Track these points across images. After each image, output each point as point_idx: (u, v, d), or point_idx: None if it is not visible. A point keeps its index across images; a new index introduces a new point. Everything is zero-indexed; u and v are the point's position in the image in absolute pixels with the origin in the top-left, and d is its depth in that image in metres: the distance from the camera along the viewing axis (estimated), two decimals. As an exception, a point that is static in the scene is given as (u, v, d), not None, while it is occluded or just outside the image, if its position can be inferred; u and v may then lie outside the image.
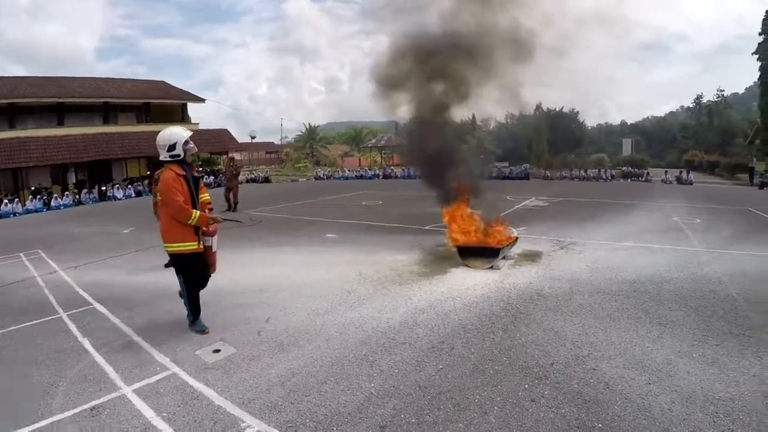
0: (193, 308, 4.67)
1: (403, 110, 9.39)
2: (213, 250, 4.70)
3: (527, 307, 5.16)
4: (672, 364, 3.76)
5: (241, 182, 27.67)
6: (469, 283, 6.10)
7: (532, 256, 7.62)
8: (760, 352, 4.03)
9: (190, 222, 4.38)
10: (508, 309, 5.09)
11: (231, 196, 14.83)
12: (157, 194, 4.49)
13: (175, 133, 4.48)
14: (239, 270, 7.10)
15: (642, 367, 3.72)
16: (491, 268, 6.74)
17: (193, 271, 4.58)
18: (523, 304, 5.25)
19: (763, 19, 30.72)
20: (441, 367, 3.76)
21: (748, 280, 6.28)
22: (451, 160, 8.62)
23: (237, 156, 48.20)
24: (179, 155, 4.46)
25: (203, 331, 4.60)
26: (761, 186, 23.35)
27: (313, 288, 6.02)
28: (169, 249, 4.51)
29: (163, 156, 4.47)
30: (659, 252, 7.95)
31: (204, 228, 4.56)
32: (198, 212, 4.43)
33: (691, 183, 25.22)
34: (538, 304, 5.28)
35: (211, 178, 28.15)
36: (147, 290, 6.33)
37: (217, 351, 4.19)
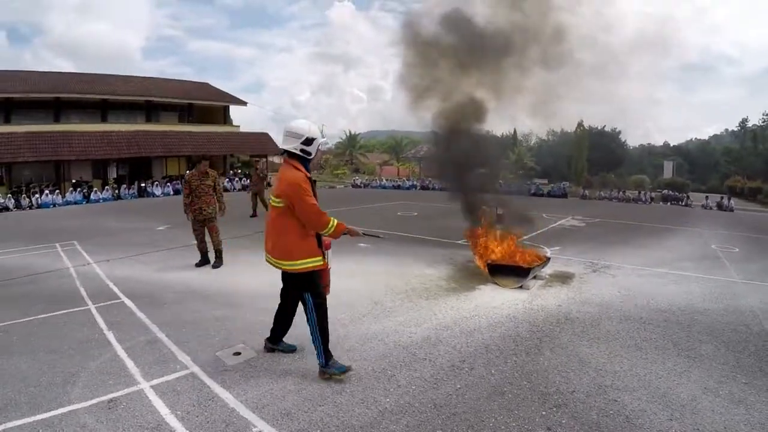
0: (327, 344, 3.79)
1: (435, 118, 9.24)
2: (329, 267, 4.34)
3: (553, 331, 5.02)
4: (696, 401, 3.58)
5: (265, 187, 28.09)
6: (497, 302, 5.98)
7: (563, 278, 7.41)
8: None
9: (325, 232, 3.65)
10: (534, 331, 4.97)
11: (257, 200, 14.49)
12: (276, 197, 3.65)
13: (314, 127, 3.72)
14: (265, 274, 7.00)
15: (665, 401, 3.55)
16: (521, 287, 6.61)
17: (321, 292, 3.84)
18: (550, 327, 5.11)
19: None
20: (459, 386, 3.68)
21: (786, 315, 5.90)
22: (478, 172, 8.51)
23: (277, 160, 48.91)
24: (311, 154, 3.72)
25: (344, 371, 3.76)
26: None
27: (340, 297, 5.89)
28: (295, 267, 3.67)
29: (293, 147, 3.64)
30: (694, 281, 7.58)
31: (326, 241, 3.95)
32: (335, 220, 3.68)
33: (731, 210, 23.86)
34: (564, 327, 5.13)
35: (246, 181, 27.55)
36: (175, 289, 6.33)
37: (237, 354, 4.14)
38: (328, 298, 6.02)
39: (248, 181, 27.32)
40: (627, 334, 5.01)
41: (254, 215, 14.15)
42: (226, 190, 25.18)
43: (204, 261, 7.69)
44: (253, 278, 6.78)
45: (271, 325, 4.19)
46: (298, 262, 3.65)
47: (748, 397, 3.68)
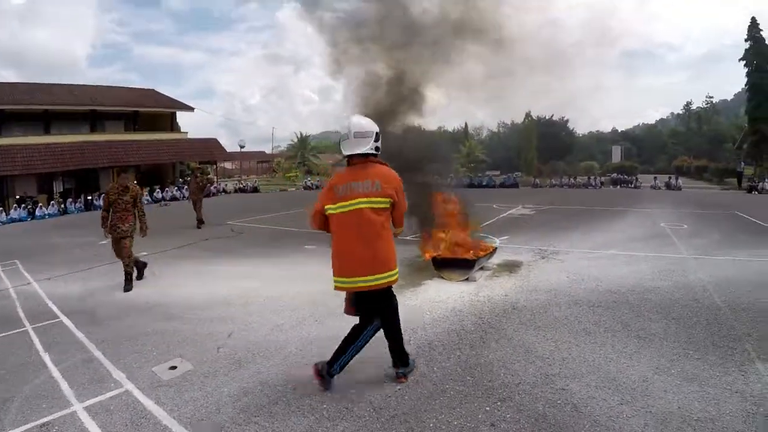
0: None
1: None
2: None
3: (499, 322, 4.88)
4: (648, 382, 3.50)
5: (216, 194, 28.21)
6: (442, 296, 5.83)
7: (511, 267, 7.37)
8: (743, 365, 3.79)
9: (401, 230, 3.71)
10: (479, 324, 4.82)
11: (196, 210, 13.71)
12: (384, 197, 3.38)
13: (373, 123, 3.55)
14: (211, 283, 7.00)
15: (615, 385, 3.45)
16: (467, 279, 6.48)
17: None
18: (496, 319, 4.98)
19: (749, 26, 31.53)
20: (399, 387, 3.51)
21: (733, 286, 6.08)
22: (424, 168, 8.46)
23: (228, 165, 48.54)
24: (380, 149, 3.53)
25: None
26: (749, 190, 23.49)
27: (283, 301, 5.83)
28: (393, 278, 3.47)
29: (369, 147, 3.42)
30: (644, 260, 7.74)
31: None
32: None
33: (679, 188, 25.25)
34: (511, 317, 5.01)
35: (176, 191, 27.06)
36: (117, 304, 6.18)
37: (173, 368, 4.05)
38: (270, 303, 5.86)
39: (178, 190, 26.60)
40: (575, 319, 4.94)
41: (201, 224, 13.45)
42: (174, 199, 24.47)
43: (140, 273, 7.35)
44: (195, 289, 6.74)
45: (336, 349, 3.64)
46: (395, 270, 3.47)
47: (701, 374, 3.64)
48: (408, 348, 4.07)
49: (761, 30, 31.35)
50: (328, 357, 3.60)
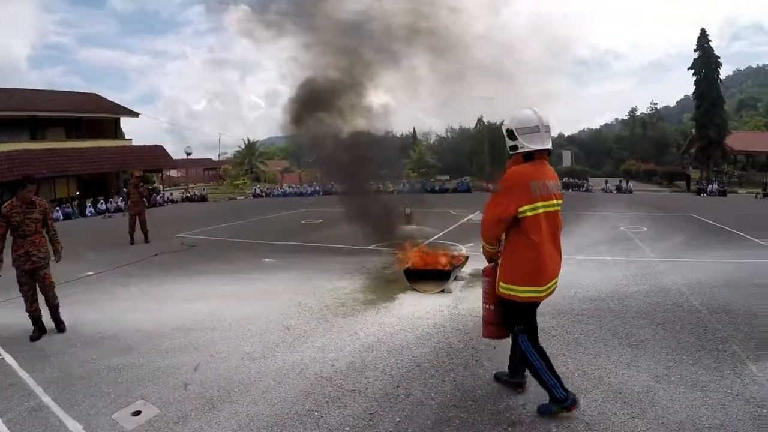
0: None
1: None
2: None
3: (487, 336, 4.91)
4: (652, 392, 3.62)
5: (162, 204, 27.94)
6: (421, 311, 5.80)
7: (485, 277, 7.46)
8: (737, 367, 4.04)
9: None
10: (466, 340, 4.82)
11: (138, 224, 12.84)
12: (558, 199, 3.30)
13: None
14: (166, 306, 6.54)
15: (622, 398, 3.54)
16: (442, 291, 6.50)
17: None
18: (482, 333, 5.00)
19: (699, 37, 34.78)
20: (399, 419, 3.36)
21: (706, 288, 6.49)
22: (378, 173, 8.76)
23: (174, 173, 47.31)
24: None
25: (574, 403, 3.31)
26: (698, 192, 25.32)
27: (248, 325, 5.54)
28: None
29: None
30: (613, 264, 8.09)
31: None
32: None
33: (630, 191, 26.82)
34: (498, 331, 5.05)
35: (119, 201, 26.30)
36: (61, 336, 5.59)
37: (137, 413, 3.67)
38: (234, 328, 5.58)
39: (122, 200, 25.52)
40: (563, 329, 5.06)
41: (132, 242, 12.52)
42: (119, 210, 23.33)
43: (40, 331, 5.77)
44: (149, 314, 6.23)
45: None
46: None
47: (700, 379, 3.83)
48: (399, 372, 4.02)
49: (710, 41, 34.78)
50: (313, 388, 3.44)
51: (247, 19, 9.37)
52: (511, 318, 3.38)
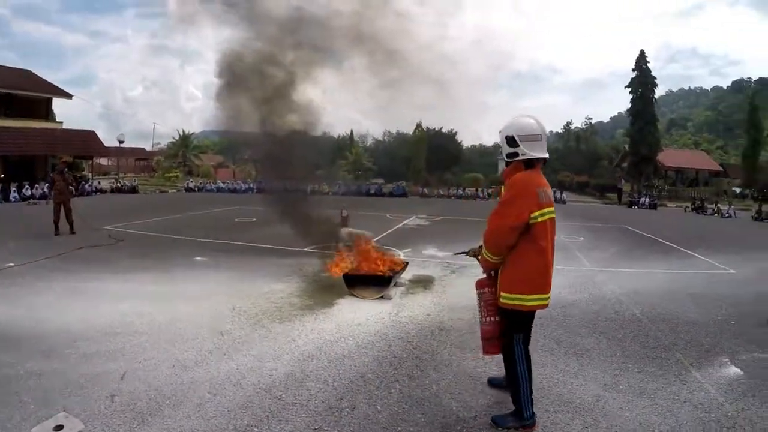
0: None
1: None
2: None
3: (430, 345, 4.81)
4: (602, 401, 3.65)
5: (90, 193, 26.74)
6: (361, 317, 5.62)
7: (424, 282, 7.43)
8: (681, 375, 4.20)
9: None
10: (410, 349, 4.69)
11: (63, 213, 11.99)
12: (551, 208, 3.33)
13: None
14: (91, 305, 5.95)
15: (573, 408, 3.54)
16: (382, 297, 6.37)
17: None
18: (425, 342, 4.90)
19: (637, 58, 37.73)
20: None
21: (645, 297, 6.78)
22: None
23: (104, 161, 45.37)
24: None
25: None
26: (630, 205, 27.00)
27: (179, 329, 5.15)
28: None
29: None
30: (553, 273, 8.26)
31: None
32: None
33: (564, 202, 28.12)
34: (441, 340, 4.97)
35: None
36: None
37: (59, 428, 3.28)
38: (165, 332, 5.14)
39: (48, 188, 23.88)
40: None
41: (57, 232, 11.55)
42: (45, 197, 21.58)
43: None
44: (73, 313, 5.69)
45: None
46: None
47: (647, 386, 3.93)
48: (341, 383, 3.85)
49: (648, 62, 37.94)
50: (251, 401, 3.19)
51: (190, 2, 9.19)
52: (514, 327, 3.35)
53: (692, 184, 42.55)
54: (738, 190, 39.99)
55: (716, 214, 24.70)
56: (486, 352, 3.62)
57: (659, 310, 6.13)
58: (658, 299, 6.67)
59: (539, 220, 3.18)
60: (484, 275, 3.58)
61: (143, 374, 3.99)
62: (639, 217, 20.78)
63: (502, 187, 3.49)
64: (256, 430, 3.18)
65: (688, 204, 28.82)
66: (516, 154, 3.29)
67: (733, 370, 4.33)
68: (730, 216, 23.89)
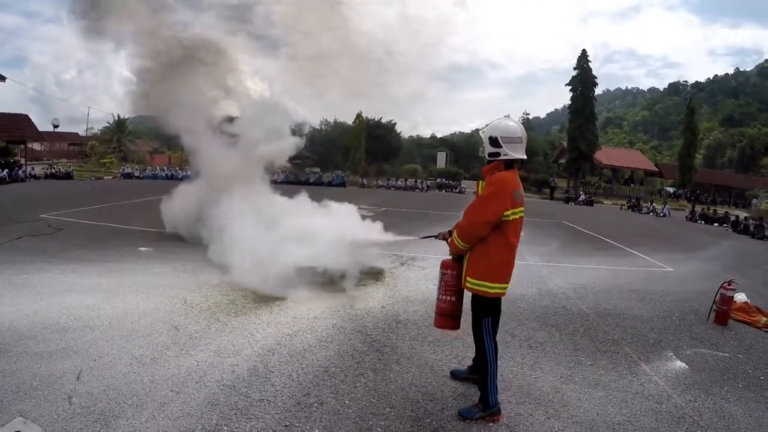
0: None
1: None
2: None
3: (389, 338, 4.93)
4: (561, 392, 3.91)
5: (24, 179, 25.31)
6: (317, 310, 5.63)
7: (374, 274, 7.54)
8: (631, 368, 4.56)
9: None
10: (369, 342, 4.78)
11: None
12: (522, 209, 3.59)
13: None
14: (36, 299, 5.59)
15: (534, 399, 3.77)
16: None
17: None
18: (384, 335, 5.01)
19: (579, 57, 39.45)
20: (317, 430, 3.21)
21: (590, 292, 7.20)
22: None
23: (37, 147, 43.30)
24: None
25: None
26: (567, 201, 28.27)
27: (132, 323, 4.96)
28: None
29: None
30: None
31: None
32: None
33: (503, 196, 29.04)
34: (399, 333, 5.10)
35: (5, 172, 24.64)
36: None
37: None
38: (117, 327, 4.88)
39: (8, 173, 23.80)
40: (462, 331, 5.20)
41: None
42: None
43: None
44: (17, 308, 5.30)
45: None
46: None
47: (601, 379, 4.24)
48: (306, 378, 3.89)
49: (589, 61, 39.66)
50: (216, 398, 3.16)
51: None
52: (481, 310, 3.64)
53: (628, 183, 45.10)
54: (672, 190, 42.79)
55: (652, 213, 26.25)
56: (437, 324, 4.01)
57: (605, 306, 6.56)
58: (604, 295, 7.14)
59: (511, 218, 3.48)
60: (450, 257, 3.88)
61: (99, 373, 3.83)
62: (575, 212, 21.87)
63: (481, 182, 3.73)
64: (225, 428, 3.16)
65: (624, 202, 30.64)
66: (498, 154, 3.55)
67: (679, 365, 4.74)
68: (665, 215, 25.49)
